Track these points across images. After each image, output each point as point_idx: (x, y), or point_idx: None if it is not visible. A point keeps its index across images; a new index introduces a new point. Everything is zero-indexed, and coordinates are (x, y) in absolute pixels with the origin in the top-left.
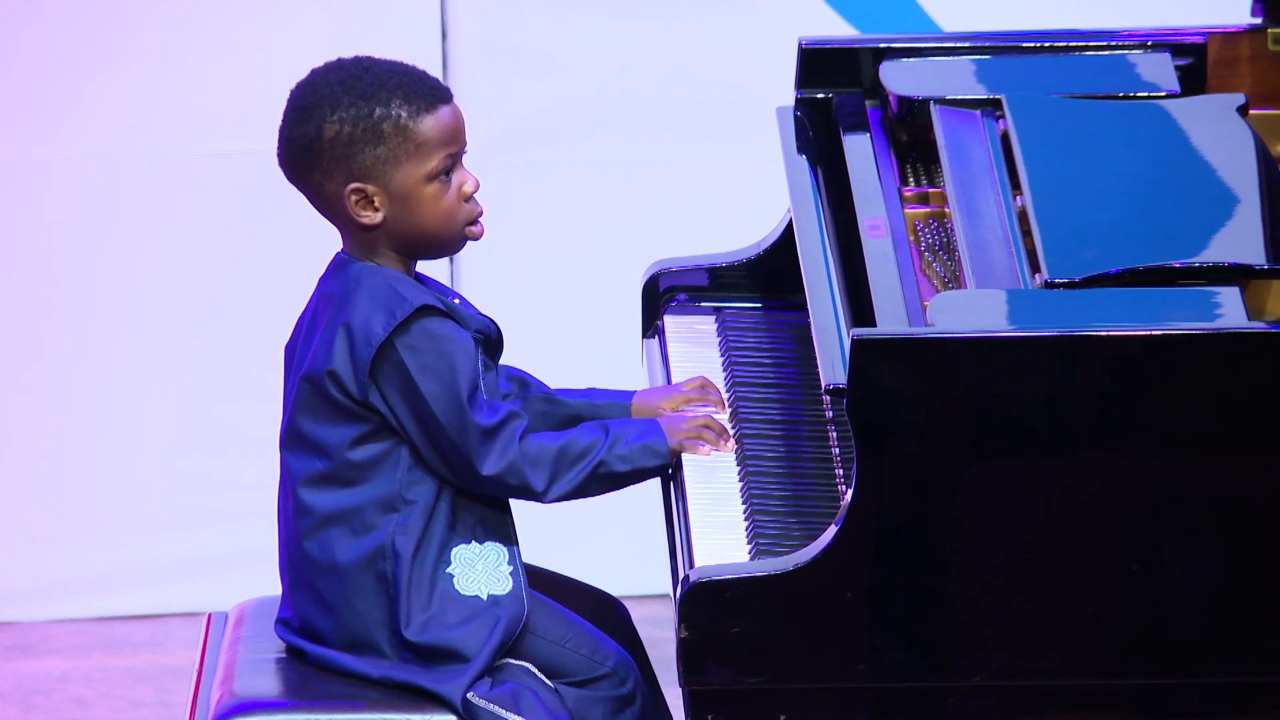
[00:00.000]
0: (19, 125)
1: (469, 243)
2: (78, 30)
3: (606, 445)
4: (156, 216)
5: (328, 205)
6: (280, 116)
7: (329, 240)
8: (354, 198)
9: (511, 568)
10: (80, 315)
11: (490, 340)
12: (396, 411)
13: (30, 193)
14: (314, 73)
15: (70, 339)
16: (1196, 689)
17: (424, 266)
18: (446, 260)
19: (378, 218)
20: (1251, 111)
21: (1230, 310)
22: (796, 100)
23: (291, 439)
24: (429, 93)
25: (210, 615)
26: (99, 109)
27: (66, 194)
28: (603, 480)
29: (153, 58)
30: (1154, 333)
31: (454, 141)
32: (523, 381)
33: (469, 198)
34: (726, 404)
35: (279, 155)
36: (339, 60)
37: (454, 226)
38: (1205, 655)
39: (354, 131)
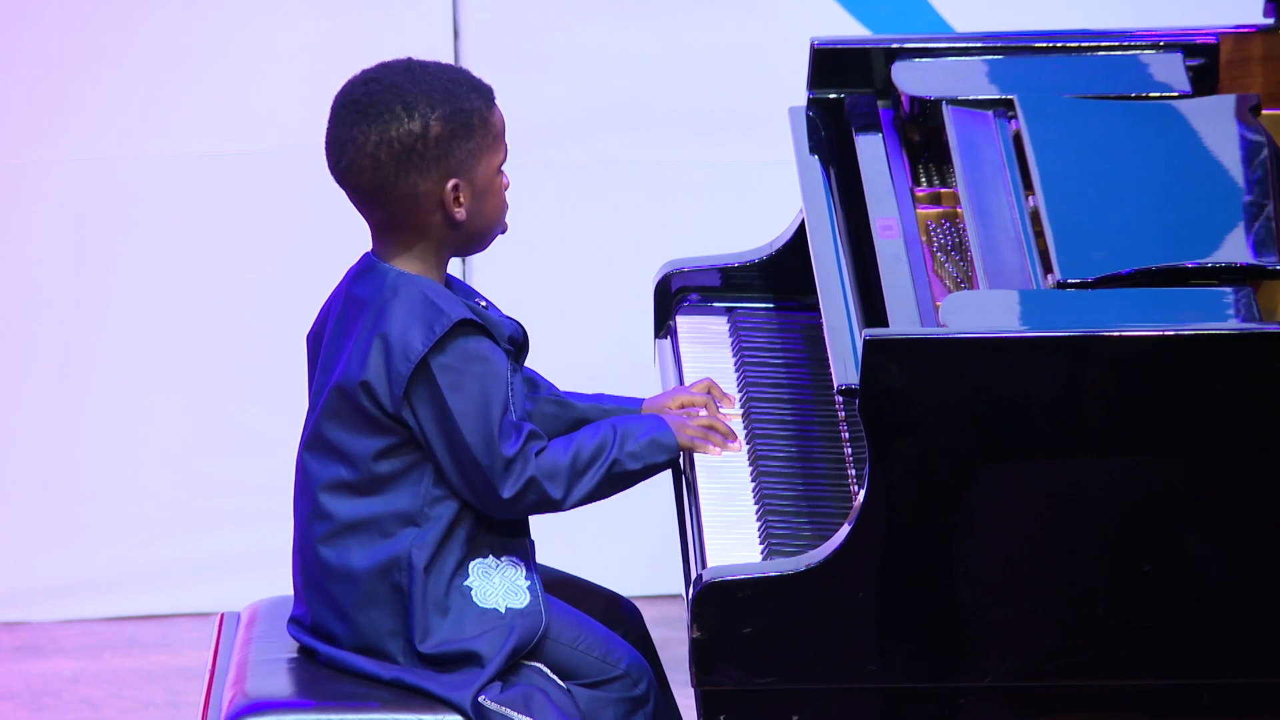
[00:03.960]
0: (22, 127)
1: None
2: (80, 31)
3: (616, 444)
4: (164, 218)
5: (411, 206)
6: (344, 122)
7: (337, 240)
8: (453, 195)
9: (529, 583)
10: (91, 317)
11: (518, 344)
12: (425, 427)
13: (34, 195)
14: (376, 78)
15: (81, 340)
16: (1207, 689)
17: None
18: (459, 262)
19: (465, 214)
20: (1264, 112)
21: (1243, 311)
22: (809, 101)
23: (315, 443)
24: (485, 86)
25: (223, 615)
26: (102, 110)
27: (71, 196)
28: (616, 480)
29: (158, 58)
30: (1166, 333)
31: (505, 133)
32: (533, 382)
33: (507, 188)
34: (737, 404)
35: (360, 161)
36: (386, 64)
37: (503, 217)
38: (1215, 656)
39: (455, 127)
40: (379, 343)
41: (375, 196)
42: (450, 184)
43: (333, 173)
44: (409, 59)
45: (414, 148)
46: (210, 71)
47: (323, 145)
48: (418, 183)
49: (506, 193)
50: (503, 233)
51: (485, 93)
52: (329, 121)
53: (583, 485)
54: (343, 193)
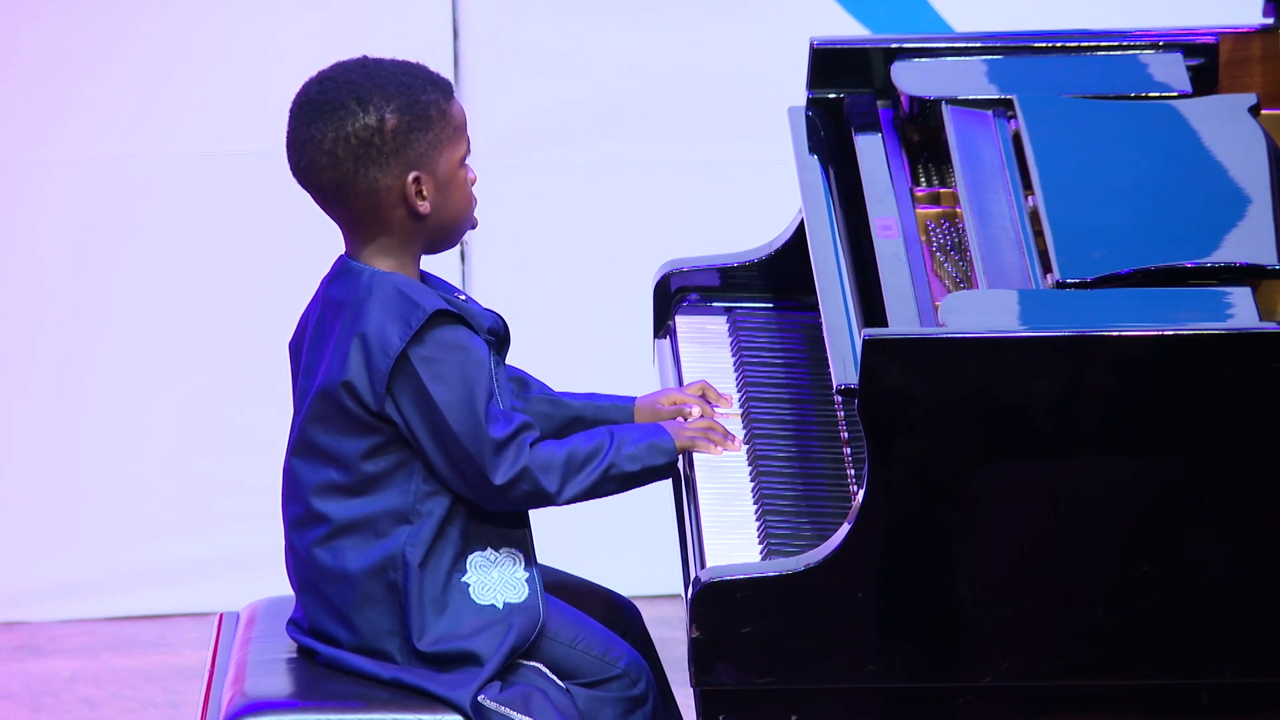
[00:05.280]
0: (21, 126)
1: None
2: (79, 30)
3: (614, 446)
4: (161, 218)
5: (373, 201)
6: (301, 121)
7: (334, 240)
8: (415, 187)
9: (528, 575)
10: (90, 317)
11: (499, 337)
12: (410, 422)
13: (32, 194)
14: (330, 76)
15: (80, 340)
16: (1206, 689)
17: (430, 265)
18: (458, 262)
19: (428, 207)
20: (1263, 111)
21: (1241, 311)
22: (808, 100)
23: (303, 447)
24: (443, 80)
25: (222, 615)
26: (101, 110)
27: (69, 195)
28: (613, 480)
29: (156, 57)
30: (1165, 333)
31: (466, 126)
32: (523, 381)
33: (473, 183)
34: (735, 404)
35: (318, 160)
36: (340, 63)
37: (471, 212)
38: (1215, 656)
39: (412, 119)
40: (358, 342)
41: (337, 195)
42: (411, 177)
43: (294, 175)
44: (364, 56)
45: (371, 142)
46: (210, 71)
47: None
48: (378, 178)
49: (474, 187)
50: (473, 228)
51: (443, 86)
52: (288, 124)
53: (578, 482)
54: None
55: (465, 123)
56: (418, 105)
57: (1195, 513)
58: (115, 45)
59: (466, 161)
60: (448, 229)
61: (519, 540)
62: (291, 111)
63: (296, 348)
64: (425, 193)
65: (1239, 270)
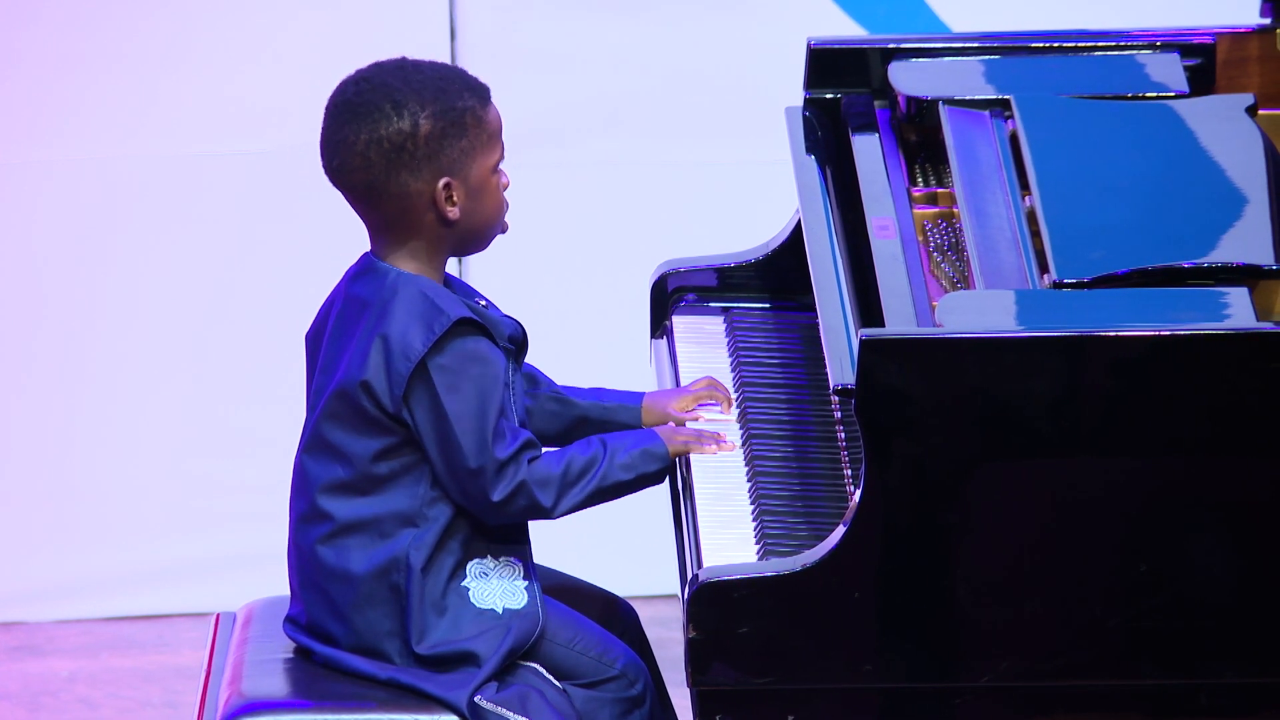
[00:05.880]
0: (21, 126)
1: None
2: (79, 30)
3: (607, 458)
4: (161, 218)
5: (404, 205)
6: (336, 122)
7: (334, 239)
8: (445, 193)
9: (527, 583)
10: (90, 317)
11: (518, 345)
12: (420, 427)
13: (33, 194)
14: (366, 77)
15: (80, 340)
16: (1205, 689)
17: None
18: (456, 262)
19: (457, 213)
20: (1260, 112)
21: (1239, 311)
22: (805, 101)
23: (314, 444)
24: (480, 85)
25: (219, 615)
26: (102, 110)
27: (69, 195)
28: (607, 490)
29: (157, 57)
30: (1162, 333)
31: (502, 131)
32: (533, 379)
33: (506, 188)
34: (734, 403)
35: (350, 162)
36: (379, 63)
37: (501, 218)
38: (1213, 656)
39: (446, 125)
40: (379, 343)
41: (368, 197)
42: (442, 183)
43: (327, 174)
44: (402, 58)
45: (404, 146)
46: (210, 71)
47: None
48: (409, 182)
49: (506, 192)
50: (503, 232)
51: (480, 91)
52: (323, 123)
53: (573, 495)
54: (340, 194)
55: (501, 128)
56: (453, 111)
57: (1193, 513)
58: (115, 45)
59: (500, 167)
60: (476, 234)
61: (518, 550)
62: (327, 111)
63: (314, 340)
64: (455, 199)
65: (1236, 270)
